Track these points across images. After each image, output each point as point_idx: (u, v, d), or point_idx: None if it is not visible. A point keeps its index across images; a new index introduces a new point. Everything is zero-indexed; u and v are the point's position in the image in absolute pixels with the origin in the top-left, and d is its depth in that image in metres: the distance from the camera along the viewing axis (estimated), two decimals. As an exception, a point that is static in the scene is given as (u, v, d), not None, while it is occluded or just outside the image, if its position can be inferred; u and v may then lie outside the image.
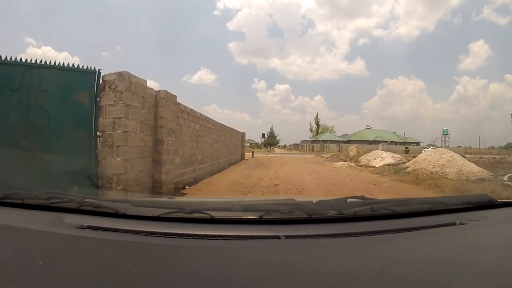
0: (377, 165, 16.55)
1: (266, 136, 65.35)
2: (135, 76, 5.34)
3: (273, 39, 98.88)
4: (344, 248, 0.89)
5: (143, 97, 5.54)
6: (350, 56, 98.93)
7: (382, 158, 18.03)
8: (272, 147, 67.58)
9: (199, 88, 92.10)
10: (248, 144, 51.31)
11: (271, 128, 74.93)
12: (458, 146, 53.36)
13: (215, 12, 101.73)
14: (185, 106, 8.12)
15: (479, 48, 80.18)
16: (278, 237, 0.92)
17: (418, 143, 60.04)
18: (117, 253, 0.84)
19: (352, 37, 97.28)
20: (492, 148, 61.53)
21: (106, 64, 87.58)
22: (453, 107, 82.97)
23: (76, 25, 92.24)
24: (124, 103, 5.01)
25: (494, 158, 20.74)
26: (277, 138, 74.77)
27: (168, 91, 6.53)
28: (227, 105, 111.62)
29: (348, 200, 1.20)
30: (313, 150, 52.34)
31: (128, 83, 5.13)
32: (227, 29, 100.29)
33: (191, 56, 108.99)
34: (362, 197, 1.25)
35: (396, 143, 54.94)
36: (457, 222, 1.10)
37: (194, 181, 8.35)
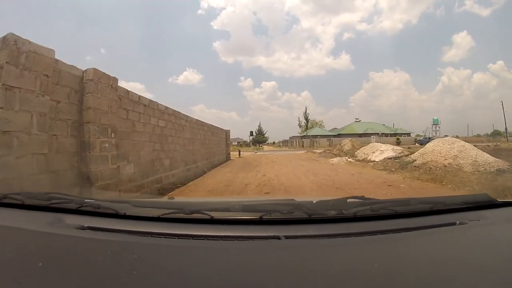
0: (377, 159, 14.92)
1: (254, 134, 63.84)
2: (30, 43, 3.28)
3: (258, 36, 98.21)
4: (344, 248, 0.88)
5: (47, 75, 3.46)
6: (335, 51, 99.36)
7: (381, 151, 16.40)
8: (261, 145, 66.91)
9: (185, 89, 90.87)
10: (236, 143, 49.49)
11: (259, 126, 73.90)
12: (445, 136, 53.04)
13: (199, 12, 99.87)
14: (140, 96, 6.06)
15: (462, 39, 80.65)
16: (278, 238, 0.91)
17: (408, 134, 59.68)
18: (117, 253, 0.83)
19: (337, 32, 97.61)
20: (479, 136, 62.02)
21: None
22: (439, 98, 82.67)
23: (59, 29, 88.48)
24: (4, 85, 2.97)
25: (488, 146, 19.79)
26: (265, 135, 73.98)
27: (100, 70, 4.42)
28: (214, 104, 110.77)
29: (348, 200, 1.20)
30: (303, 146, 50.84)
31: (14, 52, 3.08)
32: (211, 28, 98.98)
33: (176, 57, 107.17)
34: (362, 197, 1.25)
35: (386, 134, 53.86)
36: (457, 222, 1.09)
37: (159, 194, 6.36)
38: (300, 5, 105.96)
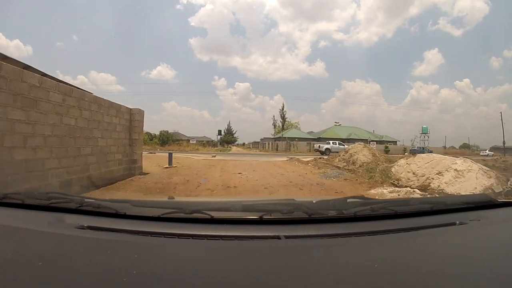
0: (464, 192, 6.23)
1: (222, 133, 54.59)
2: None
3: (235, 37, 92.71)
4: (344, 248, 0.89)
5: None
6: (311, 58, 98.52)
7: (458, 172, 7.66)
8: (229, 145, 57.85)
9: (158, 84, 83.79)
10: (195, 142, 39.62)
11: (228, 125, 64.86)
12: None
13: (178, 6, 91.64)
14: None
15: (433, 56, 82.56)
16: (278, 237, 0.91)
17: (395, 142, 53.15)
18: (117, 253, 0.83)
19: (314, 39, 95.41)
20: (454, 148, 61.31)
21: (61, 55, 74.58)
22: (407, 109, 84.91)
23: (29, 12, 76.93)
24: None
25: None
26: (235, 135, 64.94)
27: None
28: (186, 102, 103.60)
29: (348, 200, 1.20)
30: (277, 149, 41.89)
31: None
32: (188, 24, 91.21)
33: (150, 50, 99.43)
34: (362, 197, 1.26)
35: (368, 141, 46.21)
36: (457, 222, 1.08)
37: None
38: (280, 9, 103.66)
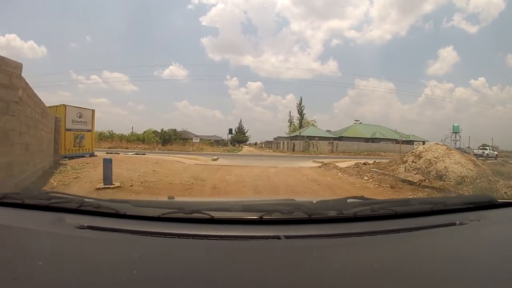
0: None
1: (233, 132, 50.02)
2: None
3: (247, 36, 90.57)
4: (344, 248, 0.87)
5: None
6: (323, 56, 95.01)
7: None
8: (240, 145, 53.45)
9: (170, 83, 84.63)
10: (198, 141, 34.85)
11: (240, 123, 60.10)
12: (468, 147, 41.96)
13: (189, 6, 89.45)
14: None
15: (448, 54, 79.85)
16: (278, 237, 0.90)
17: (423, 142, 47.19)
18: (117, 253, 0.82)
19: (326, 38, 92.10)
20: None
21: (74, 55, 74.25)
22: (420, 109, 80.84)
23: (43, 13, 78.67)
24: None
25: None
26: (246, 134, 60.62)
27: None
28: (198, 101, 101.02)
29: (348, 200, 1.19)
30: (293, 150, 36.68)
31: None
32: (200, 24, 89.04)
33: (163, 50, 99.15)
34: (362, 197, 1.23)
35: (397, 141, 40.31)
36: (457, 222, 1.07)
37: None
38: (291, 8, 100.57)
